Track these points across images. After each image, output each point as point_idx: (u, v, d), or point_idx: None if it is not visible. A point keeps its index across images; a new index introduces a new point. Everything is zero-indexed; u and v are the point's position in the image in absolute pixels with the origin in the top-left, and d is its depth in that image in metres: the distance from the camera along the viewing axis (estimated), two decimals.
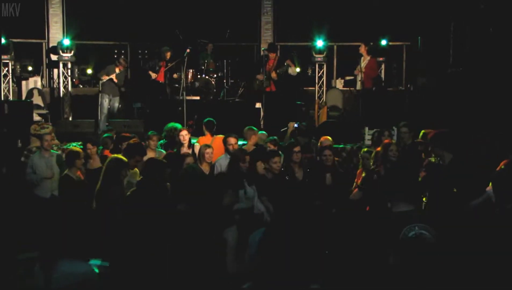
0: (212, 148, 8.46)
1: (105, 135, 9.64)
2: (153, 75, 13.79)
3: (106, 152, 8.71)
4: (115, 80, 13.50)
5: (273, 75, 13.37)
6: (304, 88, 15.82)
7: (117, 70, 13.48)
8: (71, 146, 11.03)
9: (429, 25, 14.48)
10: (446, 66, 13.89)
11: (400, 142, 8.66)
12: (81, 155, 7.92)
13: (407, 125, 8.86)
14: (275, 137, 9.25)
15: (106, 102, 13.44)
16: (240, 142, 10.26)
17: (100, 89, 13.76)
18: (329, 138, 8.81)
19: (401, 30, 15.45)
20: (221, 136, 9.60)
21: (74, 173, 7.74)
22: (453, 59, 13.92)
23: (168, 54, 13.98)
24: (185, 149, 8.93)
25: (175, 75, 14.15)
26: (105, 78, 13.45)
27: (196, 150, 8.96)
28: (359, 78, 13.57)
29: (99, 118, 13.38)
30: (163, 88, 14.06)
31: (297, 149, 7.86)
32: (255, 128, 9.59)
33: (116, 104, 13.62)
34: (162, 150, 9.03)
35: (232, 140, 8.43)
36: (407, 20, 15.09)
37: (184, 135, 9.22)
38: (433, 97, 12.98)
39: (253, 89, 14.56)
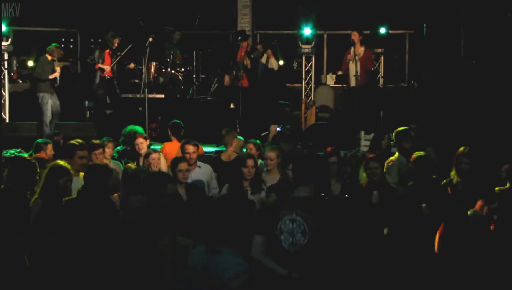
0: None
1: (39, 140, 9.47)
2: (106, 68, 13.44)
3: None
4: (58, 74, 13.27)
5: (247, 62, 13.34)
6: (289, 85, 15.84)
7: (49, 58, 13.16)
8: (8, 154, 10.95)
9: (436, 10, 14.62)
10: (457, 58, 14.02)
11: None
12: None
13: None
14: (258, 141, 9.24)
15: (49, 103, 13.20)
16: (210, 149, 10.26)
17: (37, 87, 13.34)
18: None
19: (403, 16, 15.57)
20: None
21: None
22: (464, 51, 14.07)
23: (116, 41, 13.60)
24: (143, 159, 8.85)
25: (132, 65, 13.90)
26: (56, 75, 13.13)
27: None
28: (353, 72, 13.64)
29: (44, 122, 13.14)
30: (111, 84, 13.71)
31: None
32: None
33: (58, 102, 13.37)
34: (118, 162, 8.95)
35: (190, 148, 8.39)
36: (411, 5, 15.22)
37: (140, 143, 9.04)
38: (441, 94, 13.08)
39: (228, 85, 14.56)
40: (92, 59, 13.56)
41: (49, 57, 13.08)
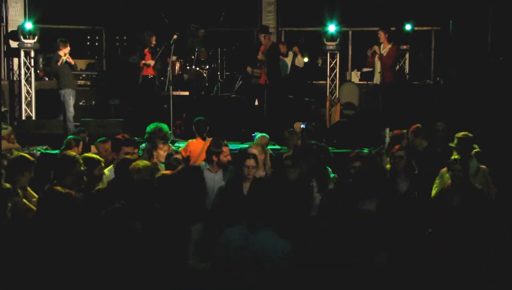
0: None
1: (70, 136, 9.61)
2: (151, 63, 13.49)
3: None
4: (72, 62, 13.29)
5: (260, 56, 13.24)
6: (314, 82, 15.84)
7: (62, 54, 13.22)
8: (35, 151, 11.09)
9: (463, 6, 14.53)
10: (483, 56, 13.92)
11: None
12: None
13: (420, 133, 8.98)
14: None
15: (71, 99, 13.31)
16: (234, 146, 10.28)
17: (58, 84, 13.44)
18: None
19: (429, 12, 15.48)
20: None
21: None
22: (491, 47, 13.96)
23: (153, 39, 13.74)
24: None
25: (173, 57, 13.77)
26: (61, 60, 13.17)
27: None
28: (378, 69, 13.60)
29: (67, 118, 13.25)
30: (153, 83, 13.81)
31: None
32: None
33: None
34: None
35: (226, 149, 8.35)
36: (437, 1, 15.13)
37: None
38: (467, 92, 13.00)
39: (252, 82, 14.53)
40: (134, 59, 13.66)
41: (60, 53, 13.16)
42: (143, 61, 13.54)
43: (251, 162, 7.57)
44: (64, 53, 13.12)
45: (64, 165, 6.60)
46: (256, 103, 14.09)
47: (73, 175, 6.53)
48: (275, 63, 13.69)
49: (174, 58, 13.73)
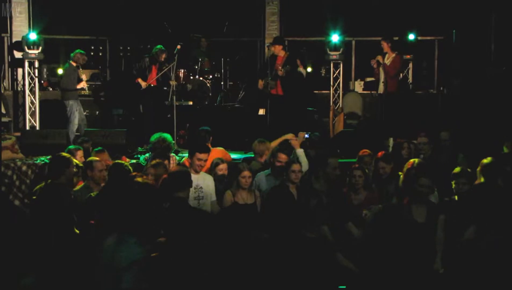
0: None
1: (71, 146, 9.63)
2: (143, 84, 13.52)
3: None
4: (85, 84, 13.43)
5: (280, 73, 13.22)
6: (317, 92, 15.83)
7: (74, 65, 13.26)
8: (38, 161, 11.10)
9: (466, 16, 14.53)
10: (486, 65, 13.90)
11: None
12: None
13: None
14: None
15: (77, 111, 13.31)
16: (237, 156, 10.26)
17: (65, 96, 13.41)
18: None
19: (433, 22, 15.49)
20: (218, 149, 9.61)
21: None
22: (494, 57, 13.95)
23: (163, 56, 13.73)
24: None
25: (173, 82, 13.79)
26: (82, 85, 13.32)
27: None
28: (382, 79, 13.59)
29: (70, 130, 13.24)
30: (154, 92, 13.83)
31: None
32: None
33: (81, 108, 13.53)
34: None
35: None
36: (440, 11, 15.13)
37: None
38: (470, 101, 12.99)
39: (256, 91, 14.51)
40: (138, 70, 13.63)
41: (74, 64, 13.24)
42: (138, 80, 13.48)
43: (297, 166, 7.86)
44: (84, 80, 13.26)
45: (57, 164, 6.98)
46: (262, 112, 14.08)
47: (66, 174, 6.88)
48: (294, 75, 13.61)
49: (173, 82, 13.67)
